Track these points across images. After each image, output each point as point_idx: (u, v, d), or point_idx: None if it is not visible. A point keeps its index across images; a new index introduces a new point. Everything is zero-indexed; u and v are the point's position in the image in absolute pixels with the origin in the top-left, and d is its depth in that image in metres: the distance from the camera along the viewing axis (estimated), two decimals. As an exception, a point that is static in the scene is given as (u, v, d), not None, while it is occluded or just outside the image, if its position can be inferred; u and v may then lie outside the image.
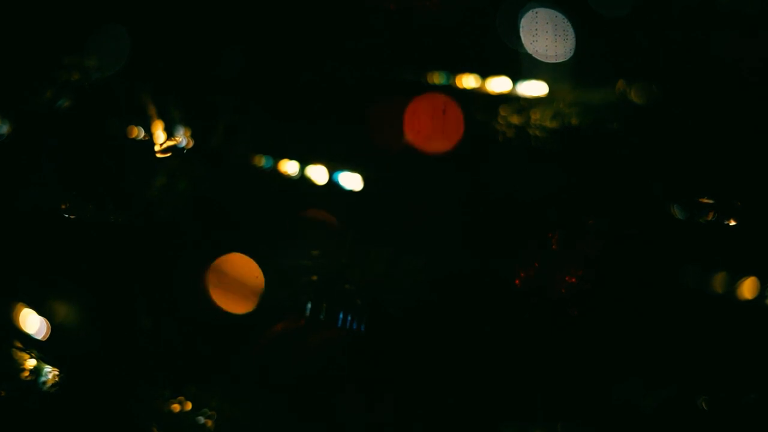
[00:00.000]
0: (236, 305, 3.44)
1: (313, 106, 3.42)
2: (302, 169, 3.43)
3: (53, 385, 3.36)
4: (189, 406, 3.36)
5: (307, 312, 3.26)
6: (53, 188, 3.42)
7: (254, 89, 3.45)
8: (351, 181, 3.38)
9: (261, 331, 3.40)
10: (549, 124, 3.36)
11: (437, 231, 3.38)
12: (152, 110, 3.38)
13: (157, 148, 3.37)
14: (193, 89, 3.39)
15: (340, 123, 3.40)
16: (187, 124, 3.39)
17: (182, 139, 3.38)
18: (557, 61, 3.37)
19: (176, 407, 3.34)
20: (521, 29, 3.31)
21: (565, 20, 3.33)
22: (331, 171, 3.40)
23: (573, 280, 3.42)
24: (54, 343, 3.37)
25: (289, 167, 3.44)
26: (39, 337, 3.38)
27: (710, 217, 3.32)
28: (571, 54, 3.34)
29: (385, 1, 3.37)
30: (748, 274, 3.26)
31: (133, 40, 3.32)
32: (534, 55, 3.35)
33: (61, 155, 3.40)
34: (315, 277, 3.36)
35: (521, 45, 3.31)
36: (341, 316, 3.26)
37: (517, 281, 3.38)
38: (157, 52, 3.36)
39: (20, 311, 3.41)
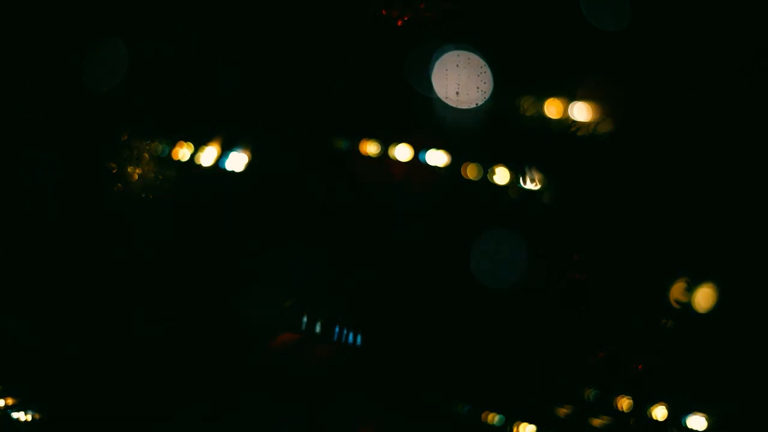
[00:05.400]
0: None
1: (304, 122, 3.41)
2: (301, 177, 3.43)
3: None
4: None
5: (303, 327, 3.26)
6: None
7: (251, 101, 3.45)
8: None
9: (262, 344, 3.40)
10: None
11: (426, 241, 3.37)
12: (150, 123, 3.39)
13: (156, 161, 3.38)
14: (189, 103, 3.39)
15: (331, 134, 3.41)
16: (183, 136, 3.39)
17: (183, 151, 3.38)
18: (471, 107, 3.24)
19: None
20: (433, 74, 3.20)
21: (481, 61, 3.21)
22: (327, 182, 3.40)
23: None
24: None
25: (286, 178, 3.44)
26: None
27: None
28: (487, 98, 3.23)
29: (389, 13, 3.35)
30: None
31: (131, 53, 3.33)
32: (445, 101, 3.22)
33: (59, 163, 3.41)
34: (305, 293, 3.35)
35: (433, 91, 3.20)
36: (337, 330, 3.26)
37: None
38: (156, 66, 3.37)
39: None
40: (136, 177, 3.39)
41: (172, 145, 3.41)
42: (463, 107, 3.27)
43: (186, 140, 3.39)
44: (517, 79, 3.40)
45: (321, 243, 3.34)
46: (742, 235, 3.32)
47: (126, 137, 3.41)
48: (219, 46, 3.35)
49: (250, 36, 3.36)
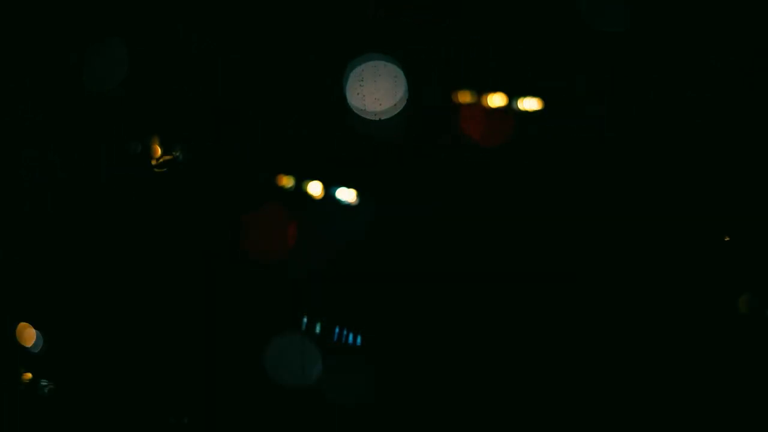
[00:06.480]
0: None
1: (309, 119, 3.42)
2: (299, 182, 3.43)
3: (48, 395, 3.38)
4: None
5: (303, 326, 3.27)
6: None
7: (250, 101, 3.45)
8: (346, 195, 3.37)
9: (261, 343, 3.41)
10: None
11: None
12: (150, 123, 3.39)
13: (153, 161, 3.38)
14: (189, 104, 3.40)
15: (335, 135, 3.41)
16: (182, 136, 3.40)
17: (178, 153, 3.39)
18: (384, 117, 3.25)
19: None
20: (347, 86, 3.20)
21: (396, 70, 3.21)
22: (327, 185, 3.40)
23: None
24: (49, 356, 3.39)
25: (286, 180, 3.44)
26: (35, 350, 3.39)
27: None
28: (401, 107, 3.24)
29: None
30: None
31: (132, 54, 3.33)
32: (359, 113, 3.23)
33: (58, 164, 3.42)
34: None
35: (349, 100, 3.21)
36: (337, 330, 3.27)
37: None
38: (156, 66, 3.37)
39: (19, 327, 3.42)
40: (136, 176, 3.40)
41: (172, 144, 3.42)
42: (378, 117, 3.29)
43: (186, 140, 3.40)
44: (517, 80, 3.41)
45: (320, 243, 3.35)
46: (742, 234, 3.34)
47: (126, 137, 3.41)
48: (219, 46, 3.35)
49: (250, 36, 3.37)
